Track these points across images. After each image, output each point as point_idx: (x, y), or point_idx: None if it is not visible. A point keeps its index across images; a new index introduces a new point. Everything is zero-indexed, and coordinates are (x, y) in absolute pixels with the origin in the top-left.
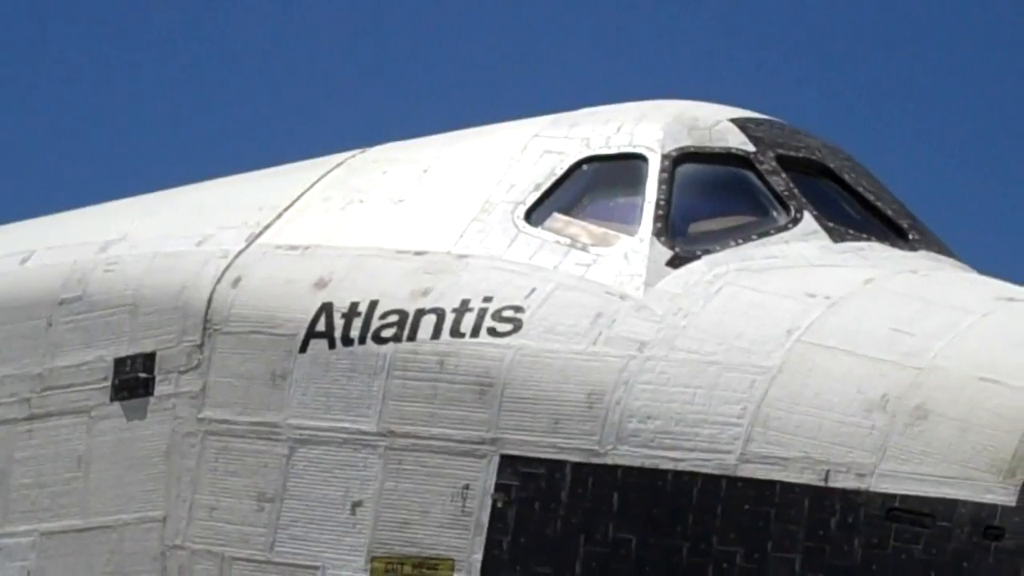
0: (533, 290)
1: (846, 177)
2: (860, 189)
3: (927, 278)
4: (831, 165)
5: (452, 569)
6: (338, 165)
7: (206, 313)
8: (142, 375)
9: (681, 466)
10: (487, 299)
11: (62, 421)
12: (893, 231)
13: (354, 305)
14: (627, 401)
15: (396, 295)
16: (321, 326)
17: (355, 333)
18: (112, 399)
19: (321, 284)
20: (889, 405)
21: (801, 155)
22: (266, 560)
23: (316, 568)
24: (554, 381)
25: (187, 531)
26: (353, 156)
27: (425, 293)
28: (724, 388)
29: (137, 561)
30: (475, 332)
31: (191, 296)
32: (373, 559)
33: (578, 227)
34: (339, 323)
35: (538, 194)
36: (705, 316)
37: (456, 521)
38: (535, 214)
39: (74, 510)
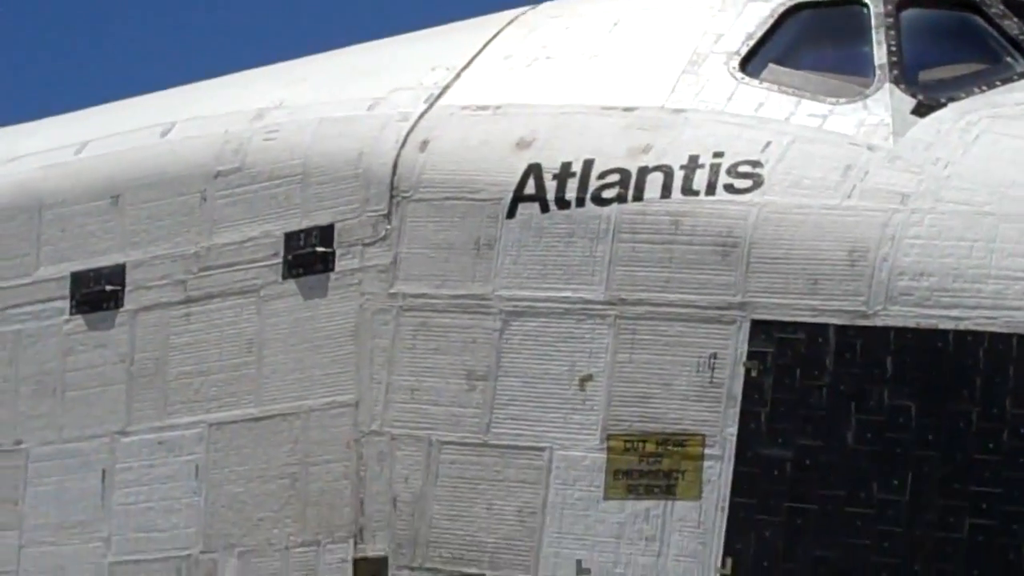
0: (768, 143)
1: None
2: None
3: None
4: None
5: (703, 445)
6: (510, 23)
7: (392, 180)
8: (319, 250)
9: (963, 325)
10: (718, 154)
11: (226, 303)
12: None
13: (566, 165)
14: (895, 257)
15: (613, 153)
16: (530, 188)
17: (571, 195)
18: (285, 277)
19: (523, 144)
20: None
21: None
22: (482, 443)
23: (542, 449)
24: (808, 239)
25: (385, 415)
26: (523, 13)
27: (646, 150)
28: (1004, 240)
29: (327, 449)
30: (711, 189)
31: (372, 163)
32: (610, 437)
33: (802, 77)
34: (551, 185)
35: (751, 44)
36: (968, 165)
37: (704, 393)
38: (750, 65)
39: (247, 398)
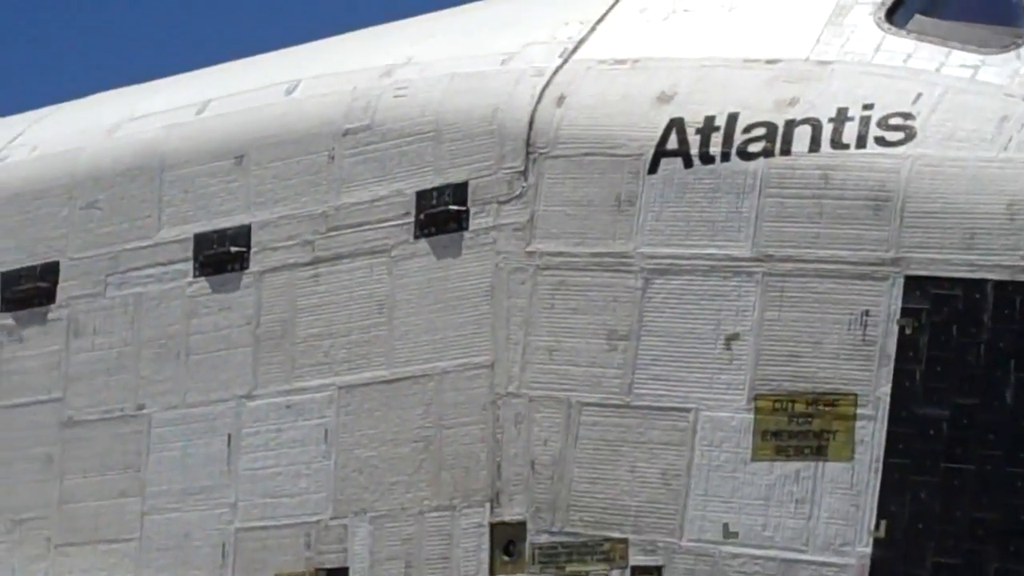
0: (919, 95)
1: None
2: None
3: None
4: None
5: (855, 404)
6: None
7: (528, 136)
8: (453, 208)
9: None
10: (867, 107)
11: (355, 263)
12: None
13: (710, 119)
14: None
15: (758, 106)
16: (672, 143)
17: (715, 149)
18: (417, 236)
19: (664, 98)
20: None
21: None
22: (624, 404)
23: (687, 410)
24: (965, 192)
25: (523, 376)
26: None
27: (792, 103)
28: None
29: (462, 411)
30: (861, 142)
31: (507, 118)
32: (757, 397)
33: (949, 27)
34: (694, 139)
35: None
36: None
37: (856, 351)
38: (896, 15)
39: (378, 360)
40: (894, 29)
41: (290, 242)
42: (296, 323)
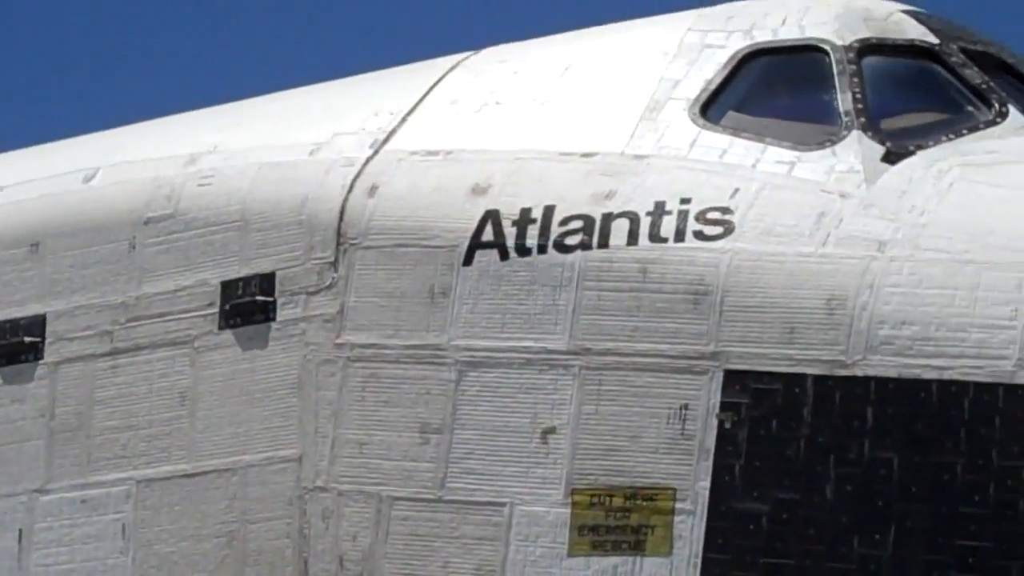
0: (736, 190)
1: None
2: None
3: None
4: (1008, 60)
5: (674, 499)
6: (453, 68)
7: (339, 226)
8: (260, 299)
9: (947, 375)
10: (685, 201)
11: (156, 354)
12: None
13: (526, 212)
14: (875, 306)
15: (575, 199)
16: (488, 235)
17: (532, 242)
18: (222, 327)
19: (479, 190)
20: None
21: (979, 48)
22: (436, 498)
23: (502, 504)
24: (784, 287)
25: (332, 470)
26: (467, 58)
27: (609, 196)
28: (988, 288)
29: (267, 506)
30: (679, 236)
31: (317, 208)
32: (574, 491)
33: (764, 124)
34: (510, 231)
35: (709, 90)
36: (945, 213)
37: (675, 445)
38: (710, 111)
39: (179, 453)
40: (709, 124)
41: (87, 332)
42: (93, 415)
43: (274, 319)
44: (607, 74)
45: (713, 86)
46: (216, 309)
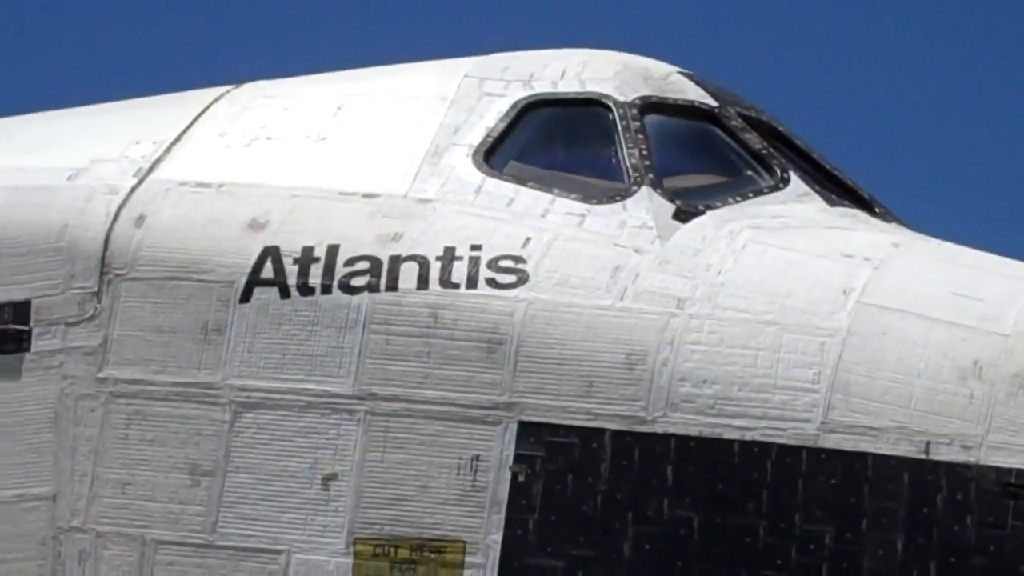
0: (528, 239)
1: (798, 143)
2: (815, 156)
3: (945, 247)
4: (781, 129)
5: (463, 552)
6: (217, 100)
7: (103, 256)
8: (12, 327)
9: (750, 435)
10: (475, 247)
11: None
12: (859, 202)
13: (308, 250)
14: (676, 363)
15: (359, 240)
16: (267, 272)
17: (315, 281)
18: None
19: (256, 225)
20: (984, 372)
21: (753, 115)
22: (206, 543)
23: (279, 552)
24: (582, 339)
25: (89, 510)
26: (228, 91)
27: (396, 238)
28: (790, 350)
29: (16, 545)
30: (471, 283)
31: (78, 236)
32: (357, 541)
33: (550, 175)
34: (291, 269)
35: (491, 139)
36: (741, 273)
37: (465, 497)
38: (493, 159)
39: None
40: (493, 172)
41: None
42: None
43: (28, 349)
44: (383, 116)
45: (495, 134)
46: None
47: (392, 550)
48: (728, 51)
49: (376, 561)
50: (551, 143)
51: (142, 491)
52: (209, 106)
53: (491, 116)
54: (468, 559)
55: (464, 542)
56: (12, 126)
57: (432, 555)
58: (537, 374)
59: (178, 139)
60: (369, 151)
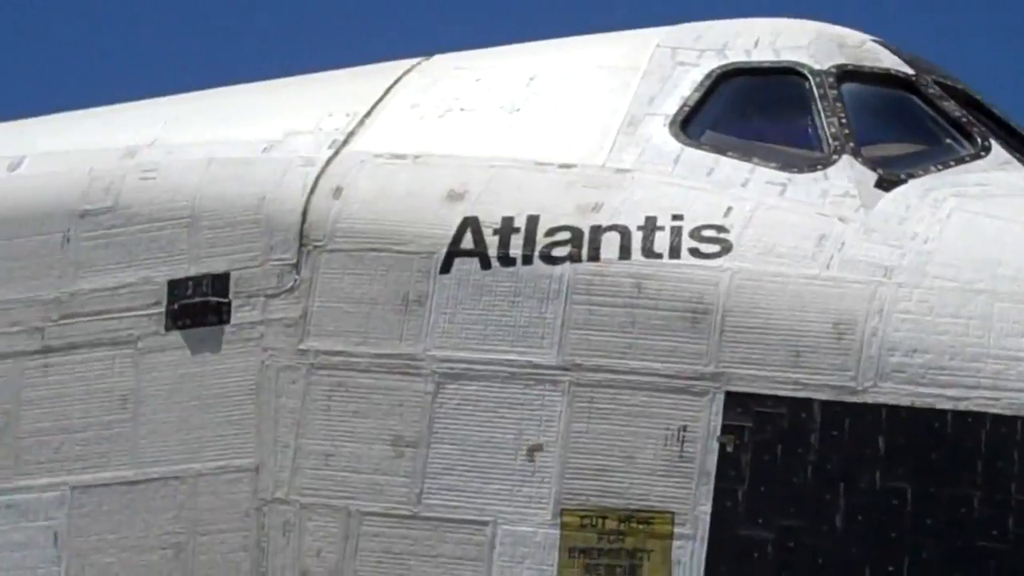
0: (730, 209)
1: (995, 111)
2: (1013, 124)
3: None
4: (977, 97)
5: (672, 523)
6: (407, 72)
7: (302, 228)
8: (213, 299)
9: (963, 405)
10: (677, 217)
11: (94, 354)
12: None
13: (508, 220)
14: (885, 332)
15: (559, 210)
16: (467, 243)
17: (516, 252)
18: (169, 328)
19: (455, 196)
20: None
21: (949, 83)
22: (412, 514)
23: (485, 523)
24: (788, 309)
25: (293, 482)
26: (419, 64)
27: (596, 209)
28: (1002, 319)
29: (220, 517)
30: (674, 253)
31: (277, 209)
32: (563, 512)
33: (747, 145)
34: (492, 240)
35: (687, 108)
36: (948, 242)
37: (672, 468)
38: (690, 129)
39: (120, 459)
40: (691, 142)
41: (15, 328)
42: (20, 416)
43: (228, 321)
44: (575, 86)
45: (690, 104)
46: (162, 309)
47: (600, 521)
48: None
49: (584, 532)
50: (747, 112)
51: (346, 462)
52: (400, 78)
53: (686, 86)
54: (677, 530)
55: (672, 513)
56: (195, 99)
57: (640, 526)
58: (743, 344)
59: (371, 111)
60: (563, 121)
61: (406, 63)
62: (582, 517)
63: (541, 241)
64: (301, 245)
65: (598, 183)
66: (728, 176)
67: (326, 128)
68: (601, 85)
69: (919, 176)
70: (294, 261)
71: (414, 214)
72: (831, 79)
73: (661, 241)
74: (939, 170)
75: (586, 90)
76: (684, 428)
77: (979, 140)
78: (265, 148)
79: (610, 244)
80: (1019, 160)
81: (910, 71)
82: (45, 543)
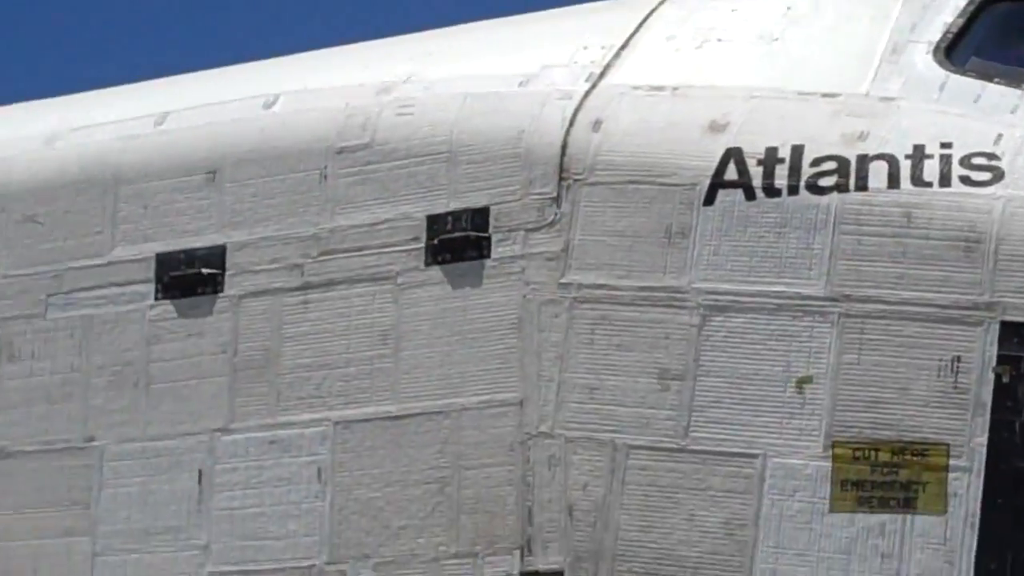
0: (1000, 136)
1: None
2: None
3: None
4: None
5: (947, 455)
6: (661, 3)
7: (561, 162)
8: (473, 234)
9: None
10: (945, 145)
11: (354, 290)
12: None
13: (771, 151)
14: None
15: (824, 140)
16: (731, 174)
17: (781, 182)
18: (428, 263)
19: (716, 127)
20: None
21: None
22: (679, 448)
23: (754, 456)
24: None
25: (557, 416)
26: None
27: (862, 137)
28: None
29: (484, 452)
30: (945, 181)
31: (536, 142)
32: (835, 444)
33: (1016, 71)
34: (756, 171)
35: (951, 35)
36: None
37: (946, 399)
38: (954, 56)
39: (382, 394)
40: (956, 68)
41: (274, 265)
42: (282, 353)
43: (489, 256)
44: (833, 14)
45: (954, 30)
46: (422, 244)
47: (873, 453)
48: None
49: (856, 464)
50: (1013, 39)
51: (611, 396)
52: (654, 10)
53: (948, 12)
54: (953, 462)
55: (948, 445)
56: (444, 36)
57: (915, 458)
58: (1019, 273)
59: (626, 43)
60: (823, 50)
61: None
62: (854, 449)
63: (807, 171)
64: (561, 179)
65: (863, 112)
66: (996, 103)
67: (581, 61)
68: (860, 13)
69: None
70: (554, 195)
71: (675, 146)
72: None
73: (930, 169)
74: None
75: (845, 18)
76: (958, 359)
77: None
78: (521, 82)
79: (878, 173)
80: None
81: None
82: (309, 478)
